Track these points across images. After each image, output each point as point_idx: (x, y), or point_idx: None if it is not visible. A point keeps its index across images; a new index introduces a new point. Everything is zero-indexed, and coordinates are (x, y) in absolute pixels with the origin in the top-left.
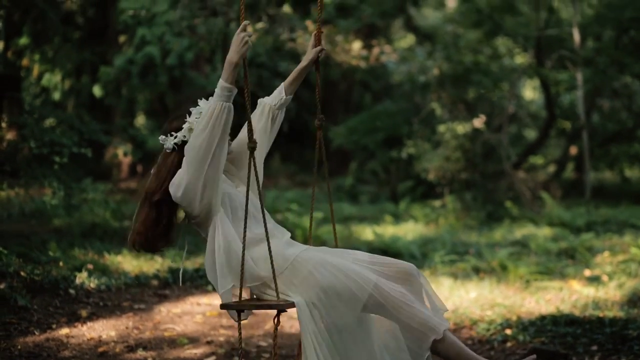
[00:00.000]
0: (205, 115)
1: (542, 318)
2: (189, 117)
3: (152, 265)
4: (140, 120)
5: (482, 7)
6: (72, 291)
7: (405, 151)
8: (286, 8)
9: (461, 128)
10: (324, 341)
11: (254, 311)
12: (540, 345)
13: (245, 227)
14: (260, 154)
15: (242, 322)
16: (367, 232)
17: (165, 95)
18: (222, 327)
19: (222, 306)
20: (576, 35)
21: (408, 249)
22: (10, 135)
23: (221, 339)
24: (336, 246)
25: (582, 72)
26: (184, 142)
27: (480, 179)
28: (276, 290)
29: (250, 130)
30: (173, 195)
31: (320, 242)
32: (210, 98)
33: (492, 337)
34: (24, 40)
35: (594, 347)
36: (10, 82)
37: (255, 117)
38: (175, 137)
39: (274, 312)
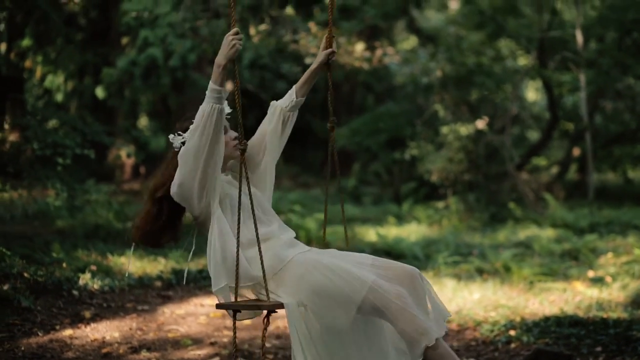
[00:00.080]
0: (198, 117)
1: (546, 319)
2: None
3: (155, 266)
4: (143, 121)
5: (485, 8)
6: (75, 292)
7: (408, 152)
8: (289, 10)
9: (464, 129)
10: (314, 343)
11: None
12: (544, 347)
13: (238, 227)
14: (272, 157)
15: (247, 323)
16: (370, 234)
17: (168, 97)
18: (226, 328)
19: (218, 306)
20: (579, 37)
21: (411, 250)
22: (13, 137)
23: (225, 340)
24: (347, 247)
25: (585, 74)
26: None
27: (483, 181)
28: (266, 290)
29: (240, 133)
30: (172, 193)
31: (324, 244)
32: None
33: (496, 338)
34: (26, 42)
35: (598, 348)
36: (13, 84)
37: (266, 119)
38: (183, 137)
39: (275, 313)
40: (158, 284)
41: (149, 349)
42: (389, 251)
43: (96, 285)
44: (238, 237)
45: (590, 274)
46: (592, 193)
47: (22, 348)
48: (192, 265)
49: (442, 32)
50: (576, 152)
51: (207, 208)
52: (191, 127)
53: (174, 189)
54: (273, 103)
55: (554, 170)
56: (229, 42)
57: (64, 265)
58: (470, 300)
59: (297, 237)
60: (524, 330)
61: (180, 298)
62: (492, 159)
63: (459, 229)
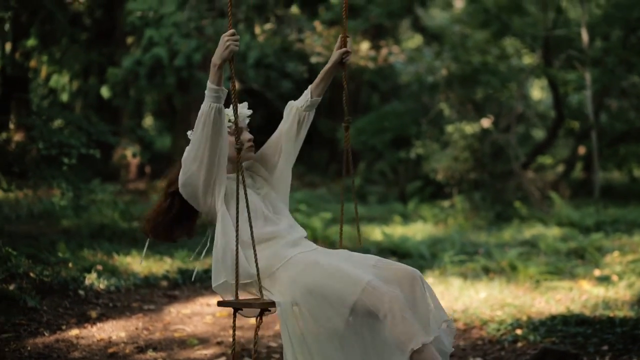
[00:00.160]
0: (198, 117)
1: (553, 318)
2: None
3: (161, 266)
4: (148, 121)
5: (490, 7)
6: (81, 292)
7: (413, 151)
8: (294, 9)
9: (469, 128)
10: (307, 344)
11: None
12: (550, 345)
13: (237, 226)
14: (288, 158)
15: (252, 322)
16: (376, 233)
17: (173, 97)
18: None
19: (219, 303)
20: (584, 35)
21: (417, 249)
22: (18, 137)
23: (231, 339)
24: (360, 247)
25: (591, 72)
26: None
27: (489, 179)
28: (260, 288)
29: (237, 132)
30: (180, 191)
31: (329, 243)
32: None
33: (503, 337)
34: (31, 42)
35: (605, 347)
36: (18, 84)
37: (283, 120)
38: None
39: (269, 311)
40: (164, 283)
41: (155, 349)
42: (395, 250)
43: (102, 285)
44: (237, 235)
45: (597, 272)
46: (598, 191)
47: (29, 348)
48: (199, 264)
49: (447, 30)
50: (582, 150)
51: (214, 206)
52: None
53: (180, 188)
54: (290, 103)
55: (560, 168)
56: (224, 42)
57: (70, 265)
58: (477, 299)
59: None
60: (530, 329)
61: (187, 297)
62: (497, 157)
63: (464, 228)
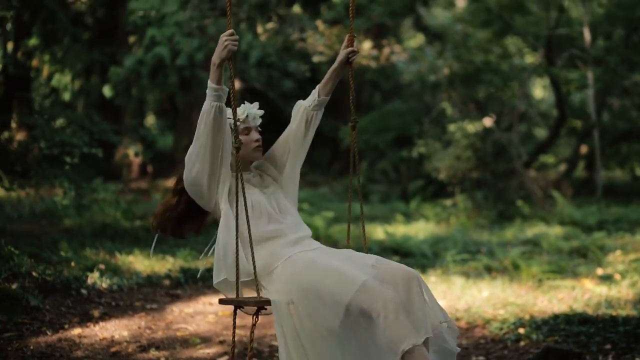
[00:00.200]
0: (200, 115)
1: (555, 317)
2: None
3: (163, 265)
4: (150, 120)
5: (492, 6)
6: (84, 291)
7: (415, 150)
8: (296, 8)
9: (472, 127)
10: (302, 342)
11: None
12: (553, 344)
13: (237, 224)
14: (296, 157)
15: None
16: (378, 232)
17: (175, 96)
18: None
19: (220, 301)
20: (586, 34)
21: (419, 248)
22: (20, 136)
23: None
24: (365, 245)
25: (593, 71)
26: None
27: (491, 178)
28: (257, 287)
29: (235, 131)
30: (187, 190)
31: (331, 242)
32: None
33: (505, 336)
34: (33, 41)
35: (608, 346)
36: (20, 83)
37: (291, 119)
38: None
39: (265, 309)
40: (167, 282)
41: (157, 348)
42: (397, 249)
43: (104, 284)
44: (237, 234)
45: (599, 271)
46: (600, 190)
47: (31, 347)
48: (201, 264)
49: (449, 29)
50: (584, 149)
51: (218, 204)
52: None
53: (186, 186)
54: (298, 102)
55: (562, 167)
56: (222, 42)
57: (72, 264)
58: (479, 298)
59: None
60: (533, 328)
61: (189, 297)
62: (499, 156)
63: (466, 227)
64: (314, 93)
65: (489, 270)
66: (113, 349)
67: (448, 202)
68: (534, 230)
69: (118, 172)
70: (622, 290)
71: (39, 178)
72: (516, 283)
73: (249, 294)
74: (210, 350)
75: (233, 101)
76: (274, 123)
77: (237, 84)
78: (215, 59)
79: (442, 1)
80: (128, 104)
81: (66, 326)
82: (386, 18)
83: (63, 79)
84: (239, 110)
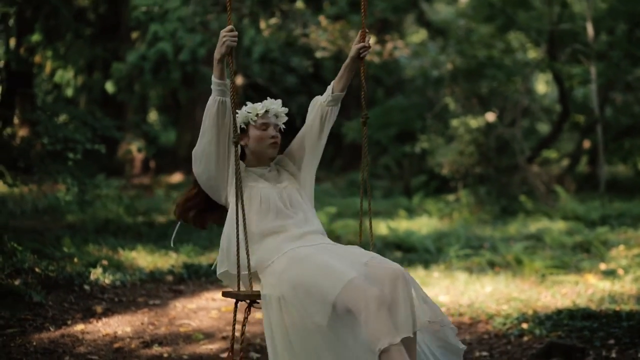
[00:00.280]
0: (205, 109)
1: (559, 312)
2: (244, 108)
3: (166, 260)
4: (153, 116)
5: (495, 1)
6: (86, 287)
7: (418, 146)
8: (299, 4)
9: (474, 122)
10: (290, 338)
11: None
12: (557, 340)
13: (237, 219)
14: (312, 153)
15: (259, 316)
16: (381, 227)
17: (178, 91)
18: (238, 322)
19: (223, 294)
20: (589, 29)
21: (422, 244)
22: (23, 132)
23: (237, 334)
24: (372, 241)
25: (596, 66)
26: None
27: (494, 173)
28: (249, 280)
29: (234, 124)
30: (198, 181)
31: (334, 237)
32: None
33: (509, 331)
34: (36, 37)
35: (611, 341)
36: (22, 79)
37: (308, 114)
38: None
39: (257, 303)
40: (169, 278)
41: (160, 344)
42: (400, 244)
43: (107, 279)
44: (237, 228)
45: (602, 266)
46: (603, 185)
47: (34, 343)
48: (204, 259)
49: (452, 25)
50: (587, 144)
51: (227, 197)
52: (240, 116)
53: (197, 179)
54: (315, 98)
55: (565, 162)
56: (221, 38)
57: (75, 260)
58: (482, 294)
59: None
60: (536, 324)
61: (192, 292)
62: (502, 151)
63: (469, 222)
64: (329, 89)
65: (492, 265)
66: (116, 345)
67: (451, 197)
68: (537, 225)
69: (121, 168)
70: (625, 285)
71: (41, 174)
72: (519, 278)
73: (254, 287)
74: (213, 346)
75: (232, 96)
76: None
77: (240, 80)
78: (215, 54)
79: None
80: (131, 99)
81: (69, 322)
82: (389, 13)
83: (66, 75)
84: (259, 105)
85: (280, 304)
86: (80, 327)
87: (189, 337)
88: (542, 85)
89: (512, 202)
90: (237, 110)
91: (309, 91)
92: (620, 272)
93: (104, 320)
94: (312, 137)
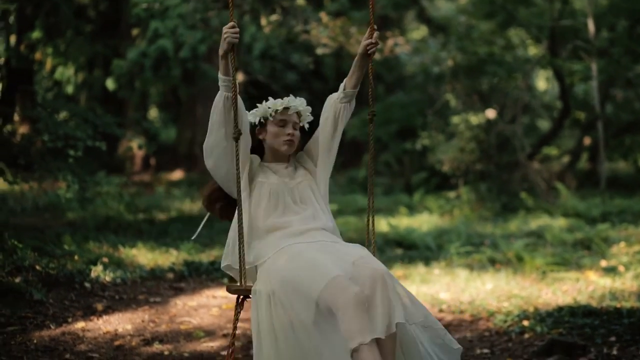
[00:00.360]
0: (213, 105)
1: (560, 309)
2: (265, 103)
3: (167, 258)
4: (153, 113)
5: None
6: (87, 285)
7: (419, 142)
8: (300, 0)
9: (475, 119)
10: (276, 334)
11: None
12: (558, 337)
13: (240, 216)
14: (326, 150)
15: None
16: (381, 224)
17: (178, 88)
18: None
19: (228, 288)
20: (590, 26)
21: (423, 241)
22: (23, 129)
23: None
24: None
25: (597, 63)
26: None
27: (494, 170)
28: (241, 276)
29: (235, 119)
30: (212, 175)
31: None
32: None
33: (510, 328)
34: (36, 34)
35: (612, 338)
36: (23, 76)
37: (322, 112)
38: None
39: (249, 298)
40: (170, 275)
41: (161, 341)
42: (401, 241)
43: (108, 277)
44: (240, 224)
45: (603, 263)
46: (604, 182)
47: (35, 341)
48: (204, 257)
49: (452, 21)
50: (587, 141)
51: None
52: (257, 112)
53: (211, 173)
54: (330, 96)
55: (565, 159)
56: (223, 35)
57: (76, 257)
58: (483, 291)
59: None
60: (537, 321)
61: (193, 290)
62: (503, 148)
63: (470, 219)
64: (341, 86)
65: (492, 262)
66: (117, 343)
67: (452, 194)
68: (537, 222)
69: (121, 165)
70: (626, 282)
71: (42, 171)
72: (520, 275)
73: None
74: (214, 344)
75: (234, 92)
76: None
77: (241, 77)
78: (219, 51)
79: None
80: (131, 96)
81: (70, 320)
82: (390, 10)
83: (66, 72)
84: (279, 101)
85: (270, 300)
86: (80, 324)
87: (189, 335)
88: (543, 81)
89: (512, 199)
90: (257, 105)
91: (310, 88)
92: (621, 269)
93: (105, 317)
94: (326, 135)
